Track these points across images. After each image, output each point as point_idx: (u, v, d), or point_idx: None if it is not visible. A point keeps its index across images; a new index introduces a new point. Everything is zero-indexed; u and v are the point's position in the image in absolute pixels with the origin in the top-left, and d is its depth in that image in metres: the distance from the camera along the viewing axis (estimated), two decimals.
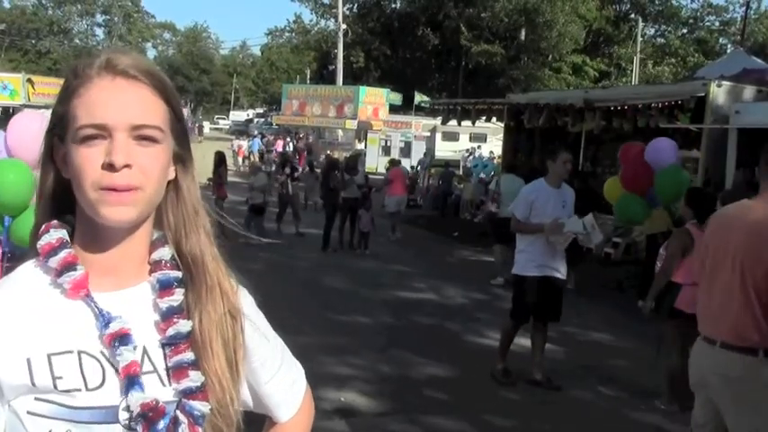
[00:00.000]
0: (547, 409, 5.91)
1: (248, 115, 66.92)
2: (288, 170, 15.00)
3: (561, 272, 6.22)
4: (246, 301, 1.27)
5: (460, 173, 21.01)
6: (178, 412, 1.12)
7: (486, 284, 10.84)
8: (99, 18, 76.57)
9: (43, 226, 1.15)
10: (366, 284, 10.36)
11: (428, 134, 27.90)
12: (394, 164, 17.09)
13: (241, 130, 51.94)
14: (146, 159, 1.08)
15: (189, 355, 1.14)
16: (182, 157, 1.19)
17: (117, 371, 1.09)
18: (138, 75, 1.11)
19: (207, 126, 58.08)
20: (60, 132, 1.12)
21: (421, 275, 11.32)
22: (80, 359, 1.09)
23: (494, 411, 5.79)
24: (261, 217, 13.57)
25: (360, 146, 28.84)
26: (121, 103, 1.08)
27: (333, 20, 44.67)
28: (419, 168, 23.53)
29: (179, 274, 1.18)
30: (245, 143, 35.18)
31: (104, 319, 1.10)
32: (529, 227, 6.14)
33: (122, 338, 1.09)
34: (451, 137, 27.21)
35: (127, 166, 1.06)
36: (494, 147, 25.32)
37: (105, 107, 1.08)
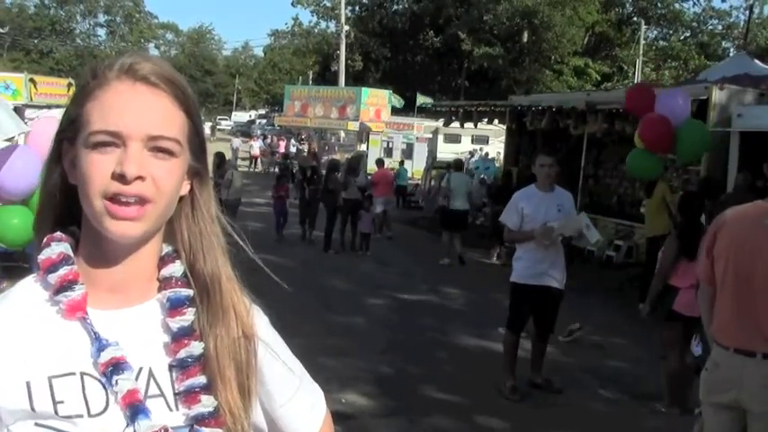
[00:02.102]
0: (547, 412, 5.91)
1: (250, 116, 66.99)
2: (307, 174, 14.42)
3: (559, 281, 6.10)
4: (261, 322, 1.21)
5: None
6: None
7: (486, 286, 10.83)
8: (101, 18, 76.80)
9: (45, 238, 1.09)
10: (367, 286, 10.36)
11: (430, 136, 27.88)
12: (380, 164, 17.03)
13: (243, 131, 52.10)
14: (160, 172, 1.02)
15: (201, 379, 1.09)
16: (198, 172, 1.13)
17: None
18: (159, 82, 1.05)
19: (208, 127, 58.43)
20: (71, 135, 1.06)
21: (421, 277, 11.32)
22: (83, 381, 1.04)
23: (494, 413, 5.78)
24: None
25: (362, 147, 28.81)
26: (139, 111, 1.03)
27: (334, 21, 44.73)
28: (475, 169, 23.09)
29: (190, 292, 1.12)
30: (256, 144, 35.34)
31: (99, 345, 1.04)
32: (521, 235, 6.06)
33: (117, 366, 1.04)
34: (453, 139, 27.16)
35: (139, 177, 1.00)
36: (496, 149, 25.30)
37: (121, 114, 1.02)
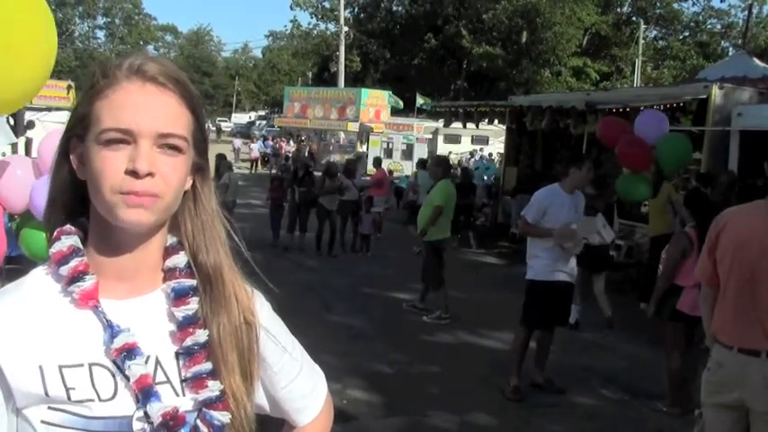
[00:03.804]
0: (548, 412, 5.91)
1: (250, 118, 66.97)
2: (299, 175, 13.42)
3: (571, 275, 6.20)
4: (263, 308, 1.27)
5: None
6: (198, 422, 1.12)
7: (487, 285, 10.84)
8: (100, 20, 76.76)
9: (56, 231, 1.14)
10: (367, 286, 10.35)
11: (430, 136, 27.90)
12: (378, 164, 17.05)
13: (243, 133, 52.12)
14: (168, 168, 1.08)
15: (207, 366, 1.14)
16: (201, 167, 1.18)
17: (128, 383, 1.09)
18: (166, 82, 1.10)
19: (213, 128, 58.54)
20: (81, 132, 1.10)
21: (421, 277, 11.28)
22: (91, 372, 1.08)
23: (496, 413, 5.78)
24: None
25: (362, 148, 28.85)
26: (149, 110, 1.07)
27: (333, 22, 44.78)
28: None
29: (194, 282, 1.17)
30: (255, 146, 35.11)
31: (112, 332, 1.09)
32: (538, 230, 6.12)
33: (130, 352, 1.09)
34: (453, 139, 27.22)
35: (150, 174, 1.05)
36: (496, 149, 25.32)
37: (132, 112, 1.06)
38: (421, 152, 26.84)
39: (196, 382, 1.13)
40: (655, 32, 47.78)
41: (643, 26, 43.11)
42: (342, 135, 32.65)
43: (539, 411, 5.90)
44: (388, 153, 27.23)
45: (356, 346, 7.38)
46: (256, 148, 34.45)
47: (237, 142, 37.78)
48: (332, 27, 46.73)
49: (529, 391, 6.22)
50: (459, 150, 26.32)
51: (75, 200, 1.15)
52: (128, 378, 1.09)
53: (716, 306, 3.46)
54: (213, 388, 1.13)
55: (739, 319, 3.32)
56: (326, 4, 47.62)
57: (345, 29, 38.10)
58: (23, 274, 1.17)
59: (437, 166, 9.43)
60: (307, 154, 23.60)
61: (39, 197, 4.19)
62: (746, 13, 37.50)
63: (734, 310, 3.35)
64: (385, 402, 5.89)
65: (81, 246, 1.13)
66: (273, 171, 23.78)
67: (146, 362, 1.11)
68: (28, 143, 9.57)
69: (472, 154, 25.99)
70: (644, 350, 7.56)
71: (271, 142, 34.80)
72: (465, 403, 5.94)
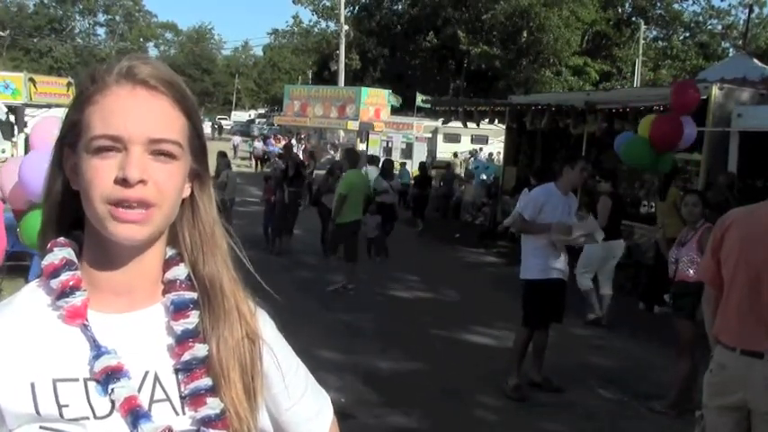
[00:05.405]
0: (547, 411, 5.91)
1: (250, 116, 66.96)
2: (290, 173, 12.98)
3: (565, 273, 6.27)
4: (266, 325, 1.22)
5: (461, 174, 20.98)
6: None
7: (486, 285, 10.85)
8: (100, 17, 76.79)
9: (49, 244, 1.10)
10: (366, 285, 10.34)
11: (429, 135, 27.89)
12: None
13: (243, 131, 52.11)
14: (162, 175, 1.03)
15: (206, 382, 1.09)
16: (199, 174, 1.13)
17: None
18: (158, 85, 1.05)
19: (207, 126, 58.49)
20: (72, 140, 1.06)
21: (422, 276, 11.31)
22: (86, 387, 1.03)
23: (493, 412, 5.79)
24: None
25: (361, 147, 28.82)
26: (139, 115, 1.02)
27: (334, 21, 44.76)
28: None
29: (194, 295, 1.12)
30: (259, 144, 34.93)
31: (95, 353, 1.04)
32: (535, 227, 6.18)
33: (111, 375, 1.03)
34: (453, 138, 27.22)
35: (141, 181, 1.00)
36: (496, 149, 25.32)
37: (122, 118, 1.02)
38: (420, 151, 26.84)
39: (195, 399, 1.08)
40: (654, 33, 47.76)
41: (643, 26, 43.08)
42: (341, 134, 32.61)
43: (537, 410, 5.91)
44: (388, 152, 27.17)
45: (355, 344, 7.38)
46: (260, 147, 34.40)
47: (237, 140, 37.83)
48: (332, 25, 46.70)
49: (527, 390, 6.23)
50: (459, 149, 26.32)
51: (70, 211, 1.10)
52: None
53: (719, 307, 3.43)
54: (213, 405, 1.08)
55: (743, 321, 3.29)
56: (327, 2, 47.59)
57: (345, 27, 38.06)
58: (24, 270, 1.16)
59: (345, 158, 10.48)
60: (302, 153, 23.52)
61: (27, 172, 4.17)
62: (747, 12, 37.45)
63: (738, 312, 3.32)
64: (383, 401, 5.89)
65: (75, 258, 1.08)
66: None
67: (143, 379, 1.07)
68: (28, 140, 9.58)
69: (472, 154, 26.00)
70: (643, 350, 7.57)
71: (273, 141, 34.68)
72: (465, 402, 5.95)
